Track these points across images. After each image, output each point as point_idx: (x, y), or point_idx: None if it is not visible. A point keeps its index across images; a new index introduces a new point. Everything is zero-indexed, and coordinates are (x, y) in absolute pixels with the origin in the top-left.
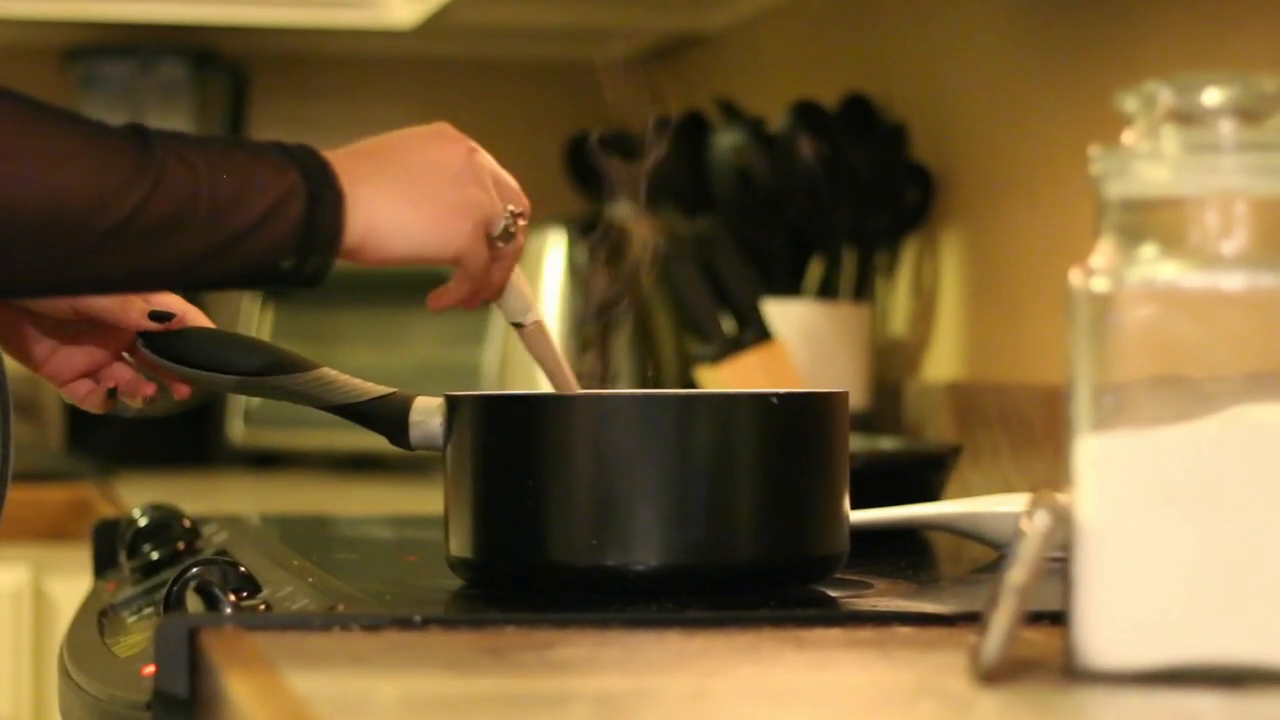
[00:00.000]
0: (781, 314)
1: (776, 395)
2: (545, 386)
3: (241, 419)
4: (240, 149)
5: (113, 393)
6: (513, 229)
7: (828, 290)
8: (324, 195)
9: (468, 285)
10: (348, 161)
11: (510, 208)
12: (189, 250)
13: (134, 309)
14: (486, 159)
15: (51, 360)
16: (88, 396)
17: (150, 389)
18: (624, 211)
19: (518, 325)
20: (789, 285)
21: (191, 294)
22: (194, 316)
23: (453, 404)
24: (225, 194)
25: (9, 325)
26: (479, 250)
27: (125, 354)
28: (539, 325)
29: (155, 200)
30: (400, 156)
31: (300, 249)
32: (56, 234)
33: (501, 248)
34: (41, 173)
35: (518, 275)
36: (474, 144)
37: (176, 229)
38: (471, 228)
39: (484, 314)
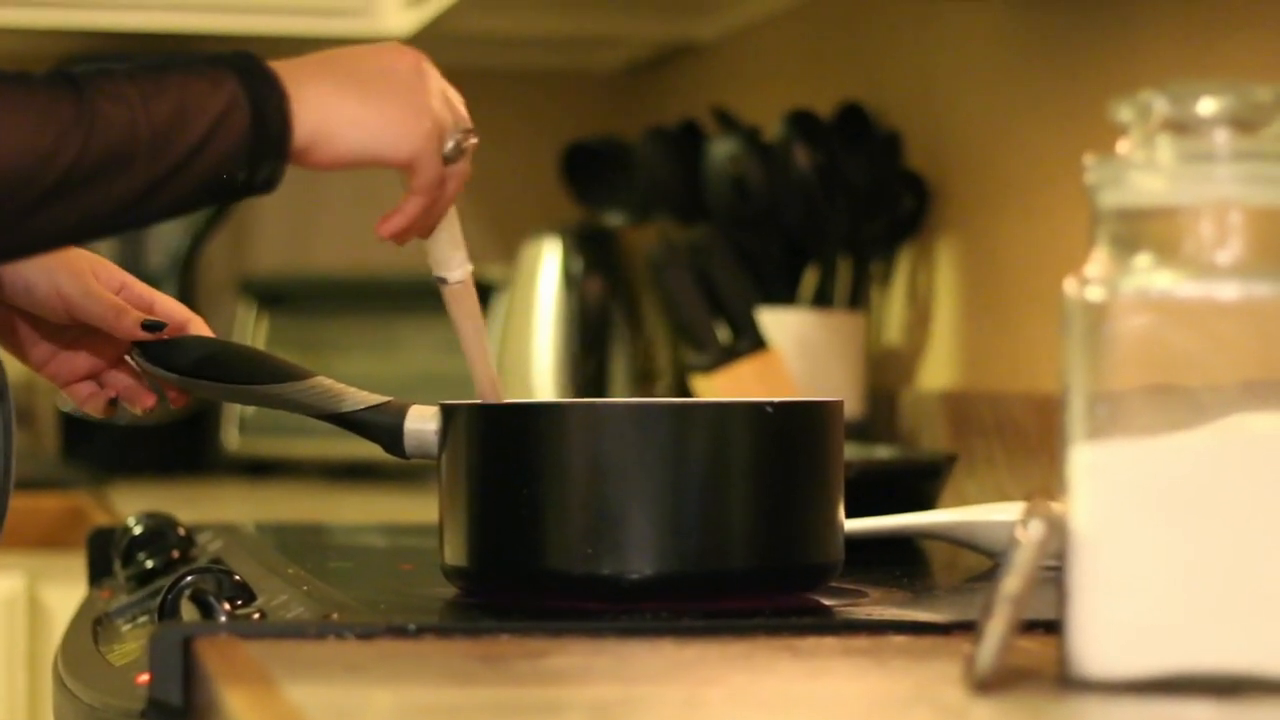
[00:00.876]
0: (776, 323)
1: (771, 404)
2: (541, 395)
3: (236, 427)
4: (172, 70)
5: (115, 399)
6: (464, 146)
7: (823, 299)
8: (267, 98)
9: (420, 200)
10: (291, 65)
11: (462, 125)
12: (138, 184)
13: (128, 318)
14: (436, 73)
15: (52, 362)
16: (89, 400)
17: (150, 398)
18: (619, 220)
19: (442, 281)
20: (784, 294)
21: (152, 226)
22: (196, 325)
23: (448, 413)
24: (164, 120)
25: (10, 326)
26: (433, 158)
27: (128, 358)
28: (466, 285)
29: (93, 144)
30: (347, 61)
31: (251, 158)
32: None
33: (450, 168)
34: None
35: (453, 221)
36: (424, 56)
37: (120, 167)
38: (427, 130)
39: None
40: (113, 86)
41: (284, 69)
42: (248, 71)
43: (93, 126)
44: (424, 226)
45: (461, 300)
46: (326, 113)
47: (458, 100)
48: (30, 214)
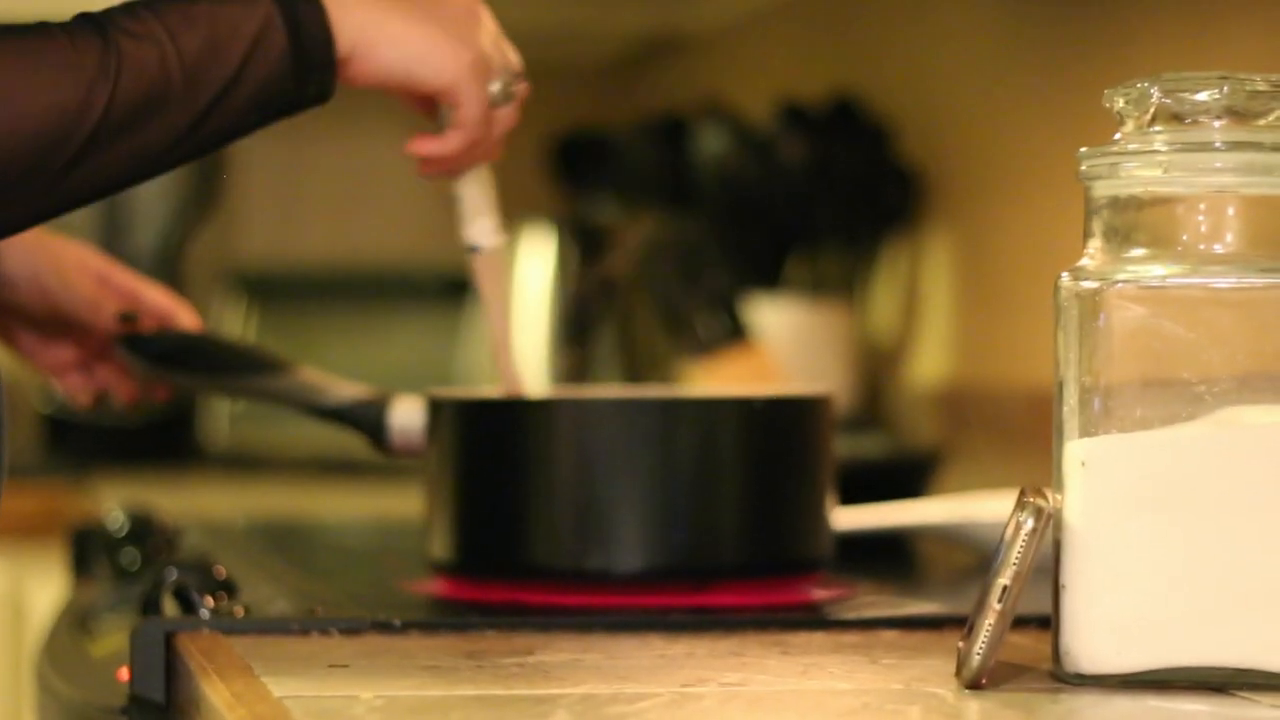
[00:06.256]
0: (766, 313)
1: (760, 399)
2: (528, 386)
3: (222, 422)
4: None
5: (104, 393)
6: (512, 90)
7: (813, 290)
8: (303, 11)
9: (461, 135)
10: None
11: (511, 70)
12: (178, 123)
13: (104, 310)
14: (490, 16)
15: (41, 353)
16: (77, 390)
17: (134, 391)
18: (609, 211)
19: (472, 249)
20: (774, 284)
21: (201, 158)
22: (183, 315)
23: (435, 406)
24: (195, 54)
25: (1, 317)
26: (476, 92)
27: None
28: (496, 255)
29: (123, 91)
30: None
31: (296, 75)
32: (34, 162)
33: (495, 112)
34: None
35: (488, 185)
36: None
37: (156, 110)
38: (471, 60)
39: (465, 315)
40: (138, 25)
41: None
42: None
43: (120, 72)
44: (457, 166)
45: (489, 271)
46: (367, 25)
47: (509, 47)
48: (71, 169)
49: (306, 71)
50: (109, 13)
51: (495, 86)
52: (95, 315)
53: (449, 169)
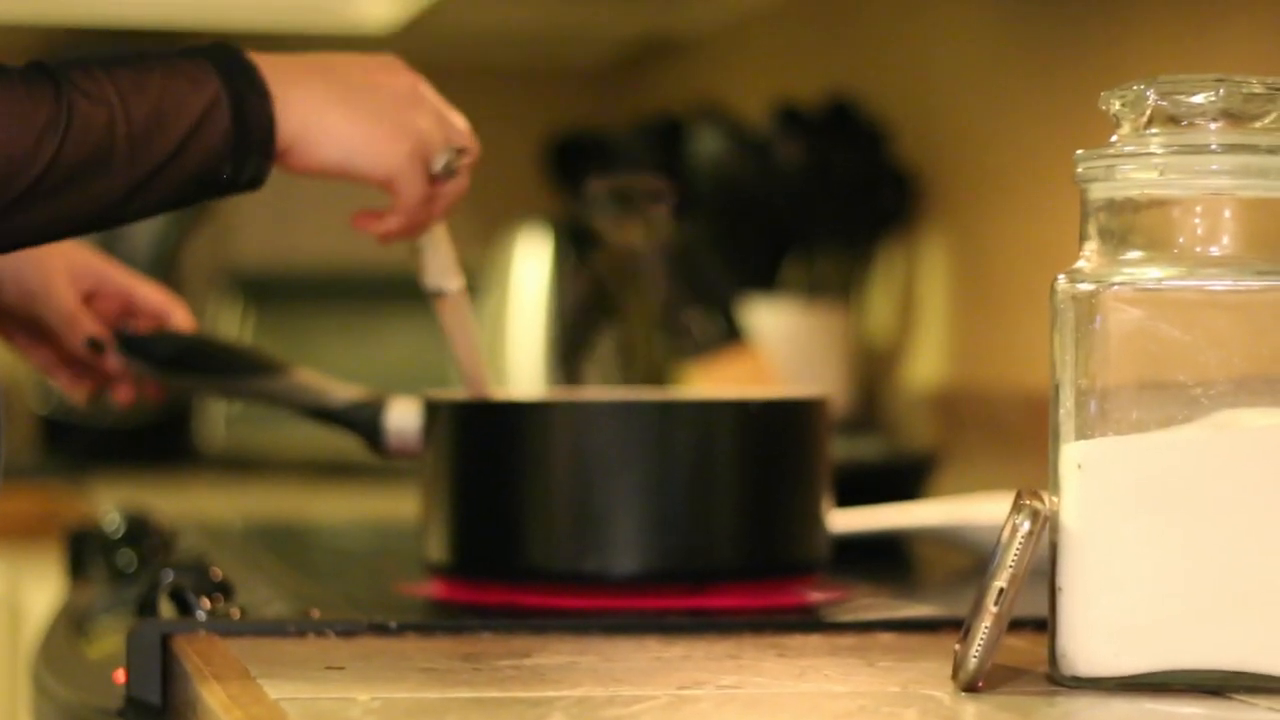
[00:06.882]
0: (763, 315)
1: (757, 401)
2: (524, 388)
3: (219, 423)
4: (153, 67)
5: (99, 390)
6: (455, 165)
7: (810, 292)
8: (249, 98)
9: (400, 218)
10: (279, 64)
11: (454, 145)
12: (116, 186)
13: (78, 329)
14: (433, 93)
15: (33, 350)
16: (72, 387)
17: (130, 391)
18: (605, 214)
19: (436, 294)
20: (770, 287)
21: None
22: (177, 314)
23: (431, 408)
24: (142, 123)
25: None
26: (415, 178)
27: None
28: (459, 298)
29: (69, 147)
30: (340, 71)
31: (234, 157)
32: None
33: (440, 186)
34: None
35: (445, 235)
36: (421, 78)
37: (97, 170)
38: (409, 151)
39: None
40: (92, 84)
41: (272, 66)
42: (230, 69)
43: (69, 129)
44: (406, 235)
45: (454, 312)
46: (309, 119)
47: (457, 119)
48: (4, 216)
49: (245, 156)
50: (65, 67)
51: (439, 164)
52: (69, 330)
53: (398, 240)
